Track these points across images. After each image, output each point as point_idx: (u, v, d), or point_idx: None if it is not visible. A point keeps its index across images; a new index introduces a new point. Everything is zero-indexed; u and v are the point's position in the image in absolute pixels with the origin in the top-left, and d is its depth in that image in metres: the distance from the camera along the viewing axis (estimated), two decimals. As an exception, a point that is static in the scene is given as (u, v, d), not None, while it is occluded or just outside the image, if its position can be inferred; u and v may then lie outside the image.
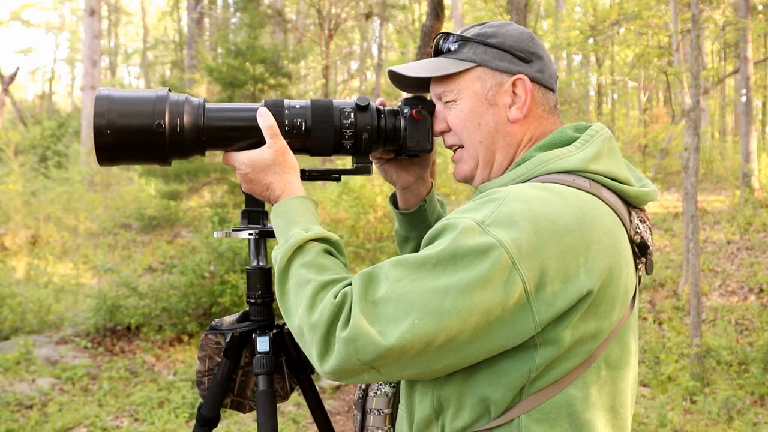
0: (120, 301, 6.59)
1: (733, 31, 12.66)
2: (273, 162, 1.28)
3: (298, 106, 1.33)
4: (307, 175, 1.38)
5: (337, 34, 18.37)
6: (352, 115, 1.33)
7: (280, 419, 4.56)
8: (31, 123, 20.60)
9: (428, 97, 1.36)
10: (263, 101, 1.34)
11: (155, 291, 6.73)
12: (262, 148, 1.29)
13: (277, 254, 1.19)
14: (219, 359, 1.50)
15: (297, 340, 1.14)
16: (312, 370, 1.53)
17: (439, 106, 1.31)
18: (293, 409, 4.94)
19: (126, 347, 6.31)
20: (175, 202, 9.70)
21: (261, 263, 1.44)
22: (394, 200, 1.52)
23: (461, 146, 1.29)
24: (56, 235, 10.87)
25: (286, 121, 1.32)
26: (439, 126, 1.31)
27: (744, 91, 11.91)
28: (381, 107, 1.37)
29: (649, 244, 1.21)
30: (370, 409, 1.31)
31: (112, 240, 10.83)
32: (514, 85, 1.23)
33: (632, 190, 1.19)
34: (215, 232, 1.48)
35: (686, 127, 6.45)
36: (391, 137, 1.36)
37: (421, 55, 6.41)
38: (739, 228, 9.81)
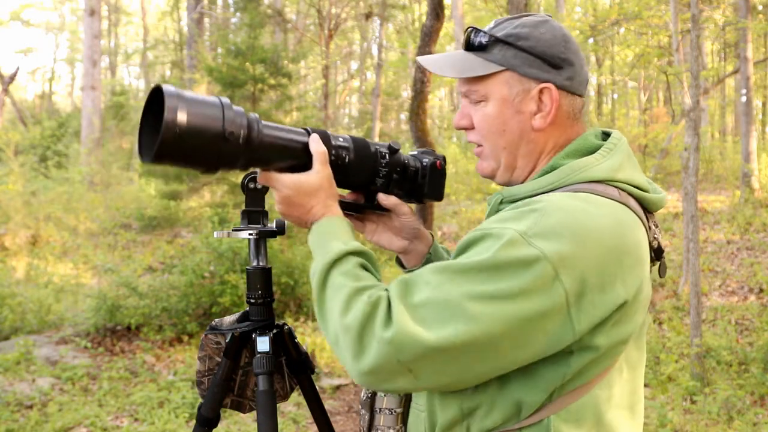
0: (120, 301, 6.59)
1: (733, 31, 12.67)
2: (320, 187, 1.29)
3: (341, 140, 1.38)
4: (343, 206, 1.40)
5: (337, 34, 18.36)
6: (387, 156, 1.42)
7: (280, 419, 4.56)
8: (31, 123, 20.59)
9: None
10: (308, 128, 1.34)
11: (155, 291, 6.73)
12: (308, 172, 1.29)
13: (316, 267, 1.18)
14: (219, 359, 1.50)
15: (333, 350, 1.11)
16: (312, 370, 1.53)
17: (464, 102, 1.30)
18: (293, 409, 4.94)
19: (126, 347, 6.32)
20: (175, 202, 9.72)
21: (261, 263, 1.44)
22: (400, 262, 1.53)
23: (482, 145, 1.29)
24: (56, 235, 10.86)
25: (333, 152, 1.34)
26: (462, 121, 1.30)
27: (744, 91, 11.90)
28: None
29: (663, 248, 1.24)
30: (380, 409, 1.30)
31: (112, 240, 10.83)
32: (540, 92, 1.21)
33: (652, 197, 1.21)
34: (215, 232, 1.48)
35: (686, 127, 6.45)
36: (411, 180, 1.46)
37: (421, 55, 6.40)
38: (739, 228, 9.81)
